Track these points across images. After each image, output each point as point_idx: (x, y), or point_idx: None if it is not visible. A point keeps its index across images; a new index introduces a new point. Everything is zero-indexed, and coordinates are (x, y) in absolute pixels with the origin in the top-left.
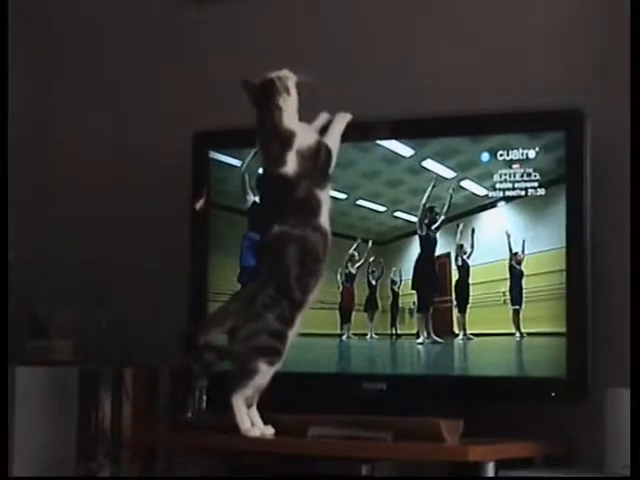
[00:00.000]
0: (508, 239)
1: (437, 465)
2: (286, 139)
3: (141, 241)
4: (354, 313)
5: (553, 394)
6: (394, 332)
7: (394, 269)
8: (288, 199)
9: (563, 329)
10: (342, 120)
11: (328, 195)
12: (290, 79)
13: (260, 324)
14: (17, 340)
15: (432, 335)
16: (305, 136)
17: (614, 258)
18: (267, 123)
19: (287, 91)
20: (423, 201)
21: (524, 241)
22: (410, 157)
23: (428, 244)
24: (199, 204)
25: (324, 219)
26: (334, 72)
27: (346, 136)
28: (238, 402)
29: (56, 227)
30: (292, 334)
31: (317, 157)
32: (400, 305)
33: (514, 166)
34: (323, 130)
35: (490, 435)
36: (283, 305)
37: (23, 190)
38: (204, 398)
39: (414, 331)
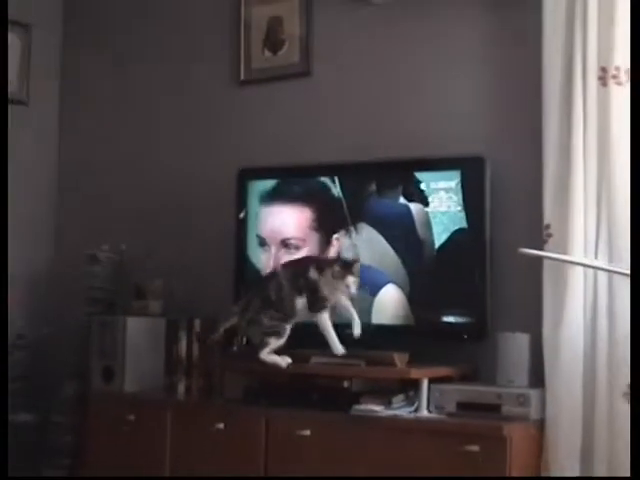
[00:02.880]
0: None
1: (391, 381)
2: None
3: (204, 239)
4: None
5: (465, 336)
6: None
7: None
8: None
9: (474, 291)
10: None
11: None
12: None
13: (263, 313)
14: (127, 301)
15: None
16: None
17: (509, 241)
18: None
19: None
20: None
21: None
22: None
23: None
24: (241, 214)
25: None
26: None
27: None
28: (264, 354)
29: (151, 230)
30: (288, 325)
31: None
32: None
33: (441, 192)
34: None
35: (425, 362)
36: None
37: (127, 208)
38: (244, 339)
39: None
